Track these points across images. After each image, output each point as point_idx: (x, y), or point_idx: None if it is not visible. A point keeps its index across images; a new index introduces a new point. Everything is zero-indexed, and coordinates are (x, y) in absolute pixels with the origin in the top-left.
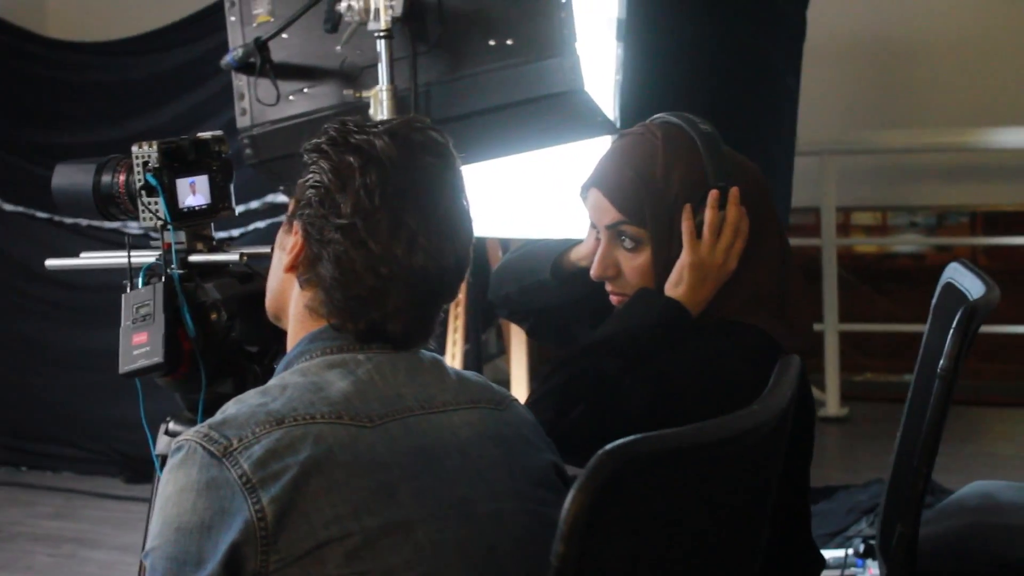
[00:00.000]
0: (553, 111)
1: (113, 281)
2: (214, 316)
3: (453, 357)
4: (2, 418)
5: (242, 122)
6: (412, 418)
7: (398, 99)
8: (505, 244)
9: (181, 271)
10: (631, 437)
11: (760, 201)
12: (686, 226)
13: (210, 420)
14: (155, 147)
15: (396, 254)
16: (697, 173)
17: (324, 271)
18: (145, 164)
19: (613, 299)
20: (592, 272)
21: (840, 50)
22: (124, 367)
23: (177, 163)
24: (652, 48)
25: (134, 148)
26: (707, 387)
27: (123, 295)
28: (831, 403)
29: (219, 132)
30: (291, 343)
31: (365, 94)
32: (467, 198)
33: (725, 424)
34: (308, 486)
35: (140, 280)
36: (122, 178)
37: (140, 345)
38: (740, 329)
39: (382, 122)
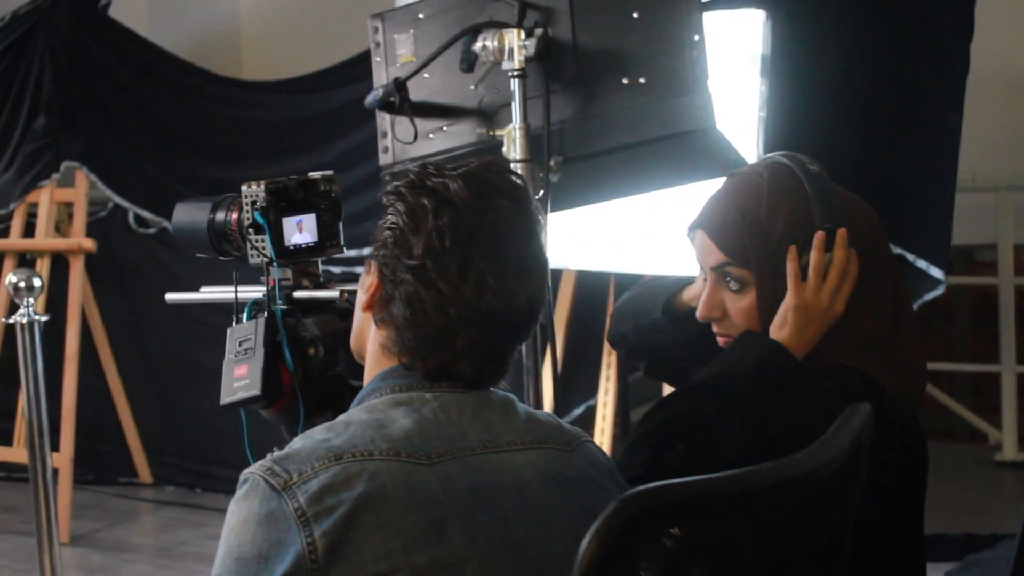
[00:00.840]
0: (684, 149)
1: None
2: (312, 351)
3: (605, 405)
4: (178, 440)
5: (384, 159)
6: (472, 457)
7: (531, 137)
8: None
9: (284, 307)
10: (655, 484)
11: (872, 243)
12: (790, 268)
13: (276, 454)
14: (263, 187)
15: (465, 295)
16: (803, 214)
17: (396, 311)
18: (253, 203)
19: (720, 340)
20: (698, 313)
21: (1012, 83)
22: (225, 399)
23: (284, 202)
24: (800, 84)
25: (243, 187)
26: (805, 431)
27: (228, 329)
28: (1008, 447)
29: (329, 172)
30: (366, 380)
31: (499, 132)
32: (542, 239)
33: (762, 473)
34: (360, 521)
35: (246, 315)
36: (235, 216)
37: (241, 378)
38: (843, 372)
39: (461, 164)
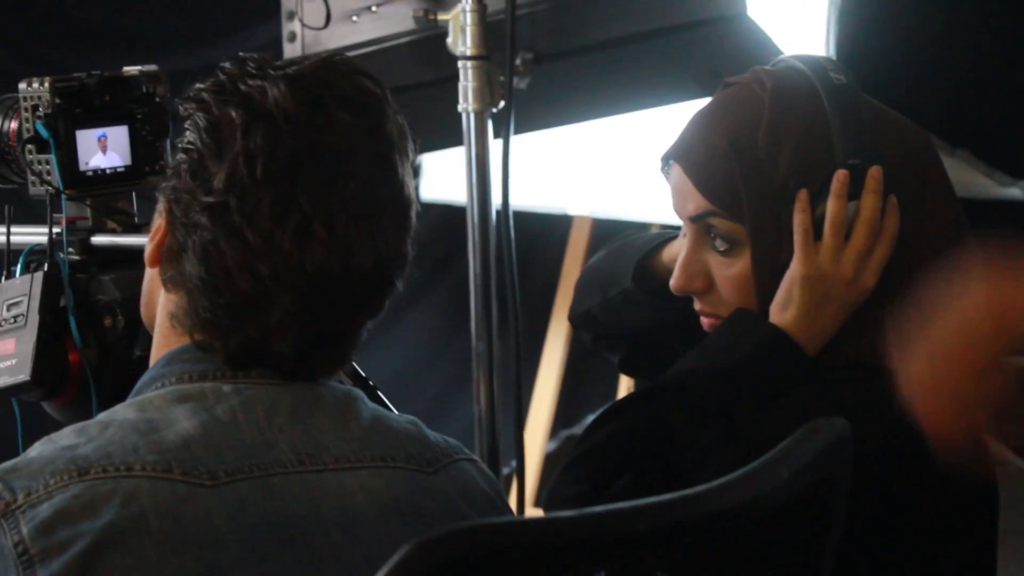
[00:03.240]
0: (703, 46)
1: None
2: (108, 321)
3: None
4: None
5: (289, 52)
6: (279, 477)
7: (487, 24)
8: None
9: (76, 257)
10: (460, 525)
11: (923, 188)
12: (798, 222)
13: (2, 464)
14: (47, 85)
15: (282, 247)
16: (818, 145)
17: (189, 267)
18: (35, 109)
19: (703, 322)
20: (672, 283)
21: None
22: None
23: (80, 108)
24: None
25: (21, 85)
26: None
27: None
28: None
29: (152, 67)
30: (152, 363)
31: (441, 16)
32: (403, 172)
33: (639, 514)
34: (103, 563)
35: (19, 267)
36: (14, 126)
37: (5, 356)
38: (871, 375)
39: (295, 61)
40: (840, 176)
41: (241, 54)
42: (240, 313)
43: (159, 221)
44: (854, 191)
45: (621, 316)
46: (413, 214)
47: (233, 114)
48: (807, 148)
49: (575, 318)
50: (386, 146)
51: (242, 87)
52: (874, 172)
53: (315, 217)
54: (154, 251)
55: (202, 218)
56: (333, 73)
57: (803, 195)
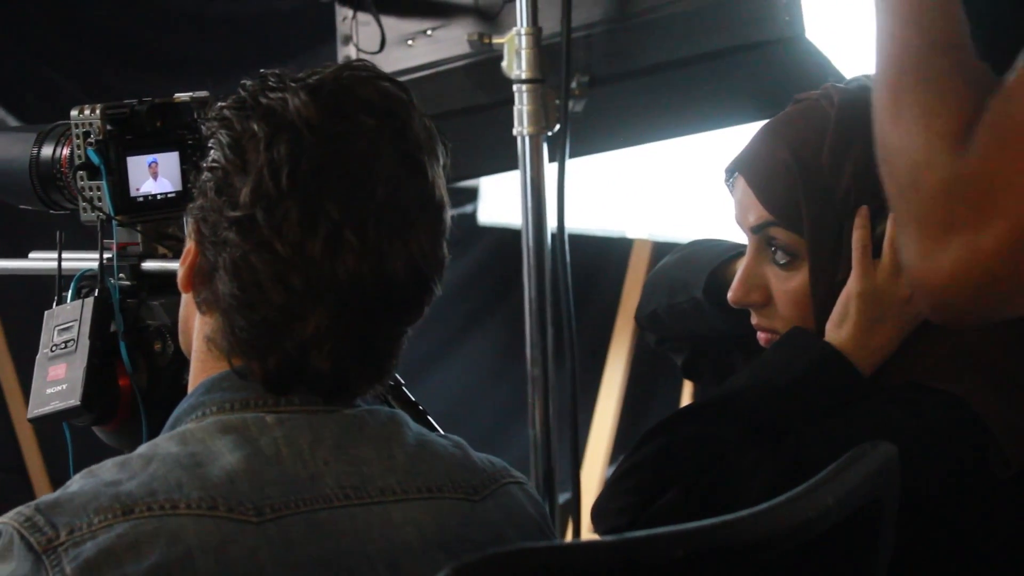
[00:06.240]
0: (760, 68)
1: None
2: (158, 346)
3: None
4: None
5: None
6: (326, 512)
7: (543, 48)
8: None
9: (126, 283)
10: (498, 550)
11: None
12: (857, 238)
13: (43, 498)
14: (98, 112)
15: (313, 257)
16: None
17: (222, 287)
18: (86, 136)
19: (760, 337)
20: (730, 295)
21: None
22: (33, 410)
23: (132, 135)
24: None
25: (73, 112)
26: None
27: (46, 312)
28: None
29: (203, 93)
30: (190, 390)
31: (496, 40)
32: (433, 174)
33: (680, 539)
34: None
35: (70, 293)
36: (66, 152)
37: (56, 381)
38: (927, 397)
39: (315, 70)
40: None
41: (262, 71)
42: (276, 329)
43: (189, 244)
44: None
45: (687, 322)
46: (447, 216)
47: (255, 127)
48: (871, 164)
49: (641, 317)
50: (413, 148)
51: (263, 100)
52: None
53: (345, 224)
54: (186, 274)
55: (230, 234)
56: (354, 79)
57: (864, 211)
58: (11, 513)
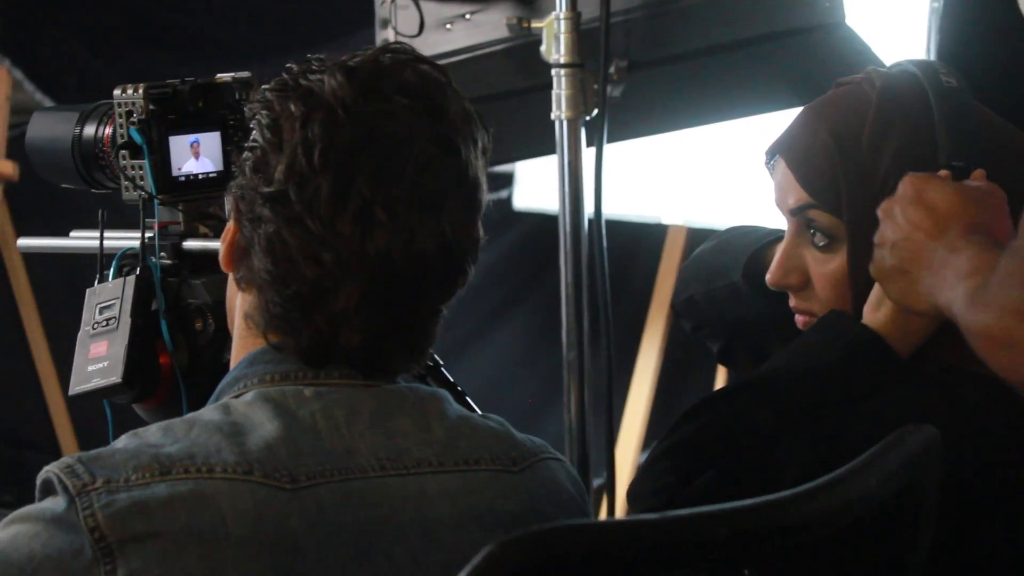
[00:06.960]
0: (800, 54)
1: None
2: (199, 324)
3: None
4: None
5: None
6: (359, 481)
7: (582, 33)
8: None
9: (167, 261)
10: (543, 527)
11: None
12: None
13: (88, 452)
14: (140, 91)
15: (343, 233)
16: (923, 145)
17: (258, 263)
18: (129, 115)
19: (797, 320)
20: (768, 277)
21: None
22: (76, 387)
23: (174, 114)
24: None
25: (116, 91)
26: None
27: (88, 290)
28: None
29: (245, 73)
30: (232, 365)
31: (535, 24)
32: (468, 155)
33: (717, 519)
34: (180, 562)
35: (112, 271)
36: (109, 132)
37: (98, 358)
38: (966, 381)
39: (356, 53)
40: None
41: (308, 55)
42: (308, 304)
43: (230, 223)
44: None
45: (724, 308)
46: (482, 197)
47: (293, 107)
48: (911, 147)
49: (677, 304)
50: (448, 129)
51: (303, 82)
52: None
53: (375, 202)
54: (227, 252)
55: (264, 210)
56: (392, 61)
57: None
58: (55, 463)
